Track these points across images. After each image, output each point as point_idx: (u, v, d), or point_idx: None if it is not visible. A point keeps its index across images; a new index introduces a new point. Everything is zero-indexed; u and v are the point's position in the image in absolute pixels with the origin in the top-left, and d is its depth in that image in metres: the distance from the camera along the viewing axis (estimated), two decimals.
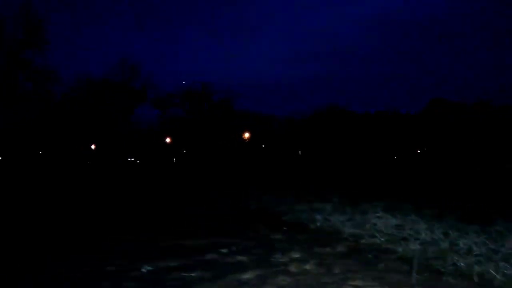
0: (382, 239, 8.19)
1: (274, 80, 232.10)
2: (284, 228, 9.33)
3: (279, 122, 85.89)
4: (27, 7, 42.88)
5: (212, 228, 11.73)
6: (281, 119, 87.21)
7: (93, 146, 59.32)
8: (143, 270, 7.16)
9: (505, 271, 6.10)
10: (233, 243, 8.28)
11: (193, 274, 6.76)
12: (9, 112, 42.04)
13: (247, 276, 6.69)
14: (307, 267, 6.90)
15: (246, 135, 74.95)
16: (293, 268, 6.92)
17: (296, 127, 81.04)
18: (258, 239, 8.53)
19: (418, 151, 78.65)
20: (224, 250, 7.82)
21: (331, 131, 76.16)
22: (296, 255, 7.52)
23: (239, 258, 7.38)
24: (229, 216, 13.82)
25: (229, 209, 15.38)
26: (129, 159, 68.26)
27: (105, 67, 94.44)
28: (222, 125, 70.12)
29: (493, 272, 6.10)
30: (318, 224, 9.76)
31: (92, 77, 58.08)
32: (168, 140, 69.68)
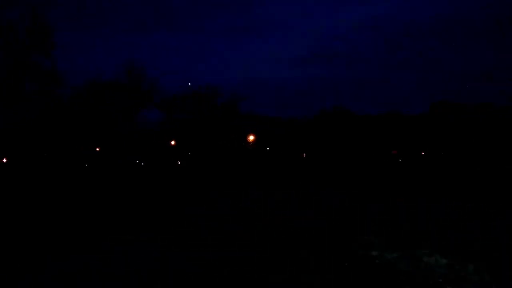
0: (440, 280, 8.54)
1: (278, 82, 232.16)
2: (346, 264, 9.43)
3: (283, 124, 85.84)
4: (34, 10, 43.15)
5: (212, 228, 11.76)
6: (286, 121, 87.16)
7: (97, 149, 59.55)
8: None
9: None
10: (315, 281, 8.08)
11: None
12: (16, 114, 42.30)
13: None
14: None
15: (251, 137, 75.01)
16: None
17: (300, 129, 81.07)
18: (332, 276, 8.37)
19: (423, 153, 78.44)
20: None
21: (335, 132, 76.17)
22: None
23: None
24: (230, 217, 13.81)
25: (228, 210, 15.40)
26: (133, 161, 68.41)
27: (109, 69, 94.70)
28: (227, 127, 70.23)
29: None
30: (377, 261, 10.08)
31: (97, 79, 58.33)
32: (173, 142, 69.86)
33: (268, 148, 78.44)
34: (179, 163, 70.03)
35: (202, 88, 71.03)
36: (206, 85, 71.73)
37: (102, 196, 20.58)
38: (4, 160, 44.35)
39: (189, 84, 72.68)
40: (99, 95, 56.37)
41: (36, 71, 44.10)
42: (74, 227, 12.36)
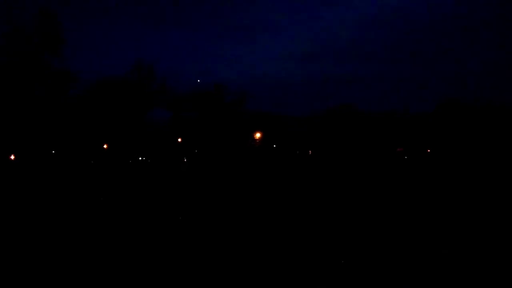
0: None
1: (285, 80, 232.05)
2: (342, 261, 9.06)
3: (290, 121, 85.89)
4: (45, 10, 43.37)
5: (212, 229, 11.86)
6: (293, 119, 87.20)
7: (105, 146, 59.87)
8: None
9: None
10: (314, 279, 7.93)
11: None
12: (26, 112, 42.68)
13: None
14: None
15: (258, 135, 74.99)
16: None
17: (307, 127, 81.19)
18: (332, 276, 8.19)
19: (429, 150, 78.20)
20: None
21: (343, 130, 76.21)
22: None
23: None
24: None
25: (229, 208, 15.47)
26: (140, 159, 68.78)
27: (118, 69, 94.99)
28: (234, 125, 70.32)
29: None
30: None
31: (107, 78, 58.51)
32: (179, 140, 70.07)
33: (274, 146, 78.50)
34: (185, 160, 70.27)
35: (209, 86, 71.27)
36: (214, 83, 72.03)
37: (104, 194, 20.74)
38: (12, 157, 44.73)
39: (198, 81, 72.85)
40: (108, 93, 56.63)
41: (46, 70, 44.40)
42: (75, 226, 12.53)
